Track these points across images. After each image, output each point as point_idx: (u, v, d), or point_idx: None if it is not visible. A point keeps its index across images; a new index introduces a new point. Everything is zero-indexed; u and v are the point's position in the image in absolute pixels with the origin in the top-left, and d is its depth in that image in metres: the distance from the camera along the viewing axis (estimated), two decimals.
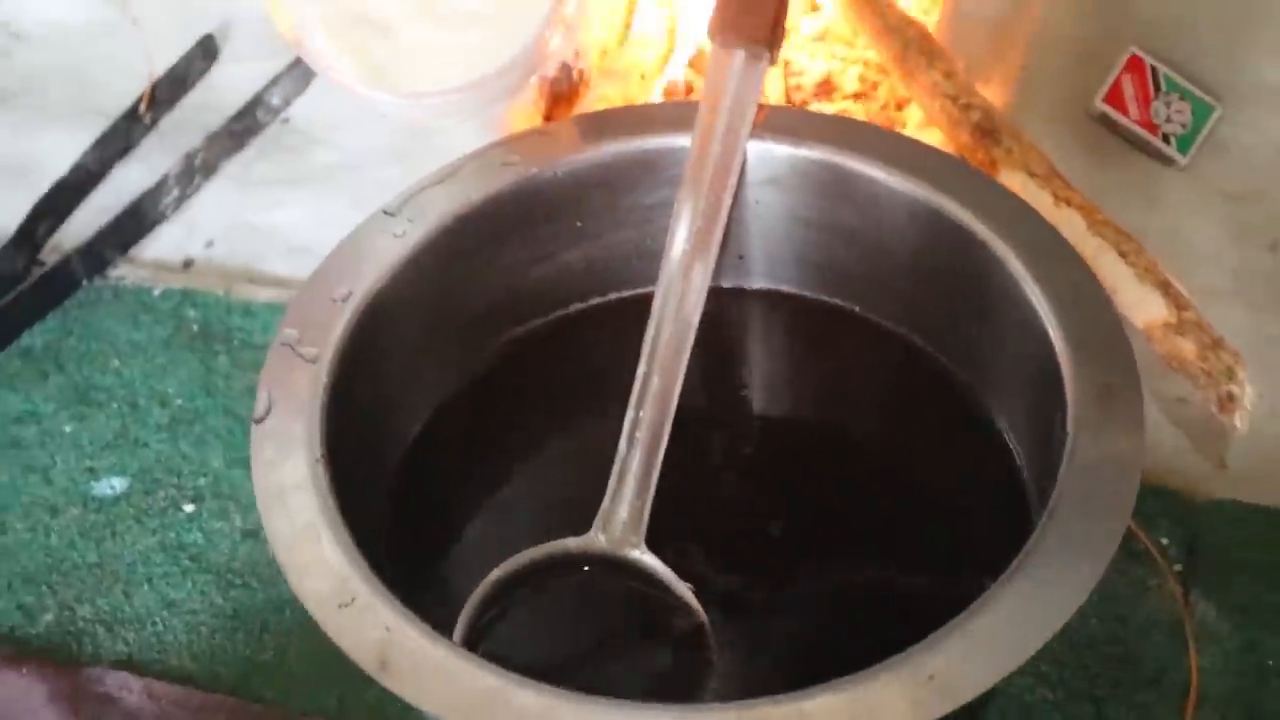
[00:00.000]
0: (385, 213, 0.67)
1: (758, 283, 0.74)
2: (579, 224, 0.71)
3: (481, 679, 0.52)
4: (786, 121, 0.70)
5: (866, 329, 0.72)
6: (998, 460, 0.65)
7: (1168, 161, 0.96)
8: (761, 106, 0.69)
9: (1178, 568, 0.74)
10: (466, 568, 0.62)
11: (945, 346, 0.70)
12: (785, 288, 0.74)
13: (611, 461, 0.63)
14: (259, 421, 0.60)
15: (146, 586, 0.78)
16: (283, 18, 0.63)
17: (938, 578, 0.61)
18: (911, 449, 0.69)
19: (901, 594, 0.62)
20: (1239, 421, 0.74)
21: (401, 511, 0.63)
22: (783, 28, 0.70)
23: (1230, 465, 0.80)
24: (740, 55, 0.68)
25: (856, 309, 0.73)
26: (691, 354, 0.66)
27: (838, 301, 0.73)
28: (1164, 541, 0.75)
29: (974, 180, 0.68)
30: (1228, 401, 0.74)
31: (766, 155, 0.70)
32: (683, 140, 0.69)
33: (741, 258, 0.74)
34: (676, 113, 0.72)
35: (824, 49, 1.12)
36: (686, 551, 0.64)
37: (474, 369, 0.69)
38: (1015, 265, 0.63)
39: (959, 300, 0.67)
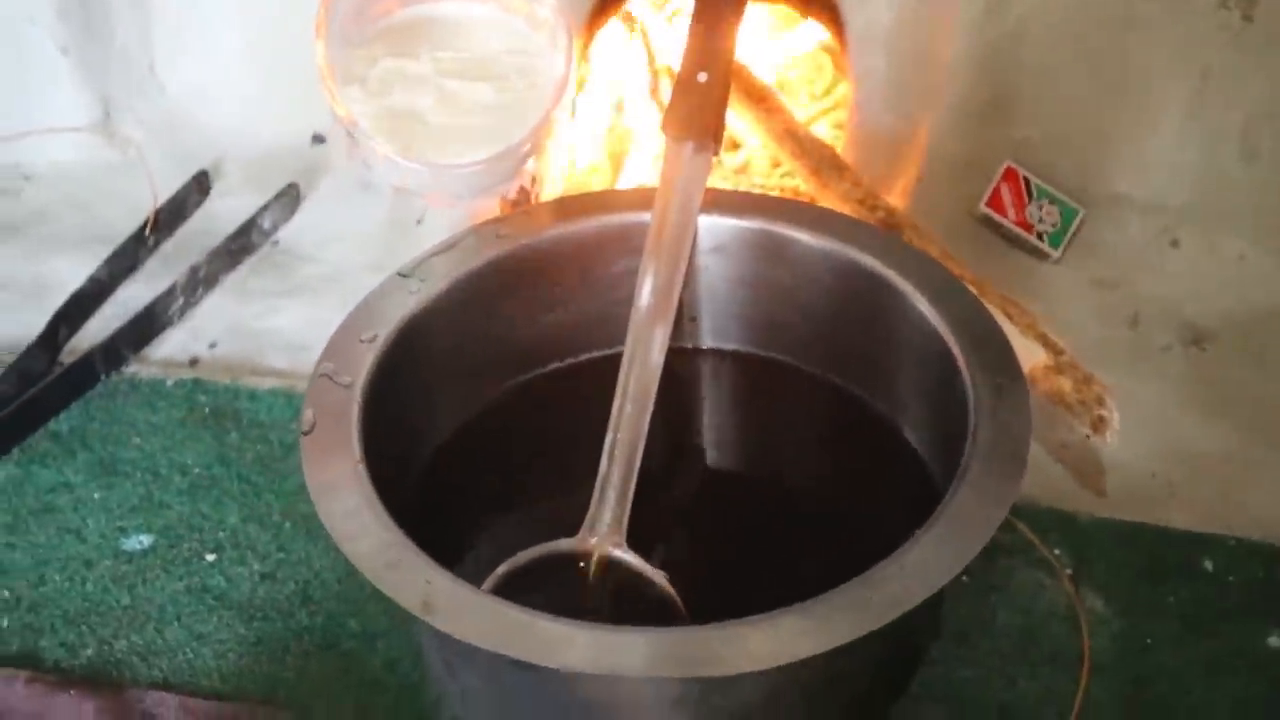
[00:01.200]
0: (400, 275, 0.81)
1: (707, 342, 0.88)
2: (558, 289, 0.85)
3: (511, 614, 0.64)
4: (729, 199, 0.86)
5: (797, 375, 0.87)
6: (909, 463, 0.79)
7: (1042, 256, 1.12)
8: (708, 189, 0.84)
9: (1069, 571, 0.88)
10: (479, 555, 0.74)
11: (863, 381, 0.84)
12: (730, 345, 0.88)
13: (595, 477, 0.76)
14: (306, 434, 0.72)
15: (176, 624, 0.88)
16: (341, 109, 0.77)
17: (868, 545, 0.74)
18: (839, 463, 0.83)
19: (839, 557, 0.74)
20: (1110, 438, 0.89)
21: (426, 508, 0.75)
22: (723, 126, 0.86)
23: (1107, 493, 0.94)
24: (690, 146, 0.83)
25: (789, 359, 0.87)
26: (657, 402, 0.79)
27: (773, 355, 0.88)
28: (1057, 552, 0.89)
29: (880, 236, 0.84)
30: (1100, 423, 0.89)
31: (713, 227, 0.84)
32: (644, 217, 0.83)
33: (694, 319, 0.88)
34: (638, 196, 0.87)
35: (745, 180, 1.28)
36: (660, 547, 0.76)
37: (484, 404, 0.82)
38: (919, 299, 0.78)
39: (874, 338, 0.82)
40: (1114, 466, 0.96)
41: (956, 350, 0.74)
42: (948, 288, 0.78)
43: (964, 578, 0.85)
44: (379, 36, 0.80)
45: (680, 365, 0.86)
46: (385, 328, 0.77)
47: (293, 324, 1.12)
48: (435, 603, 0.64)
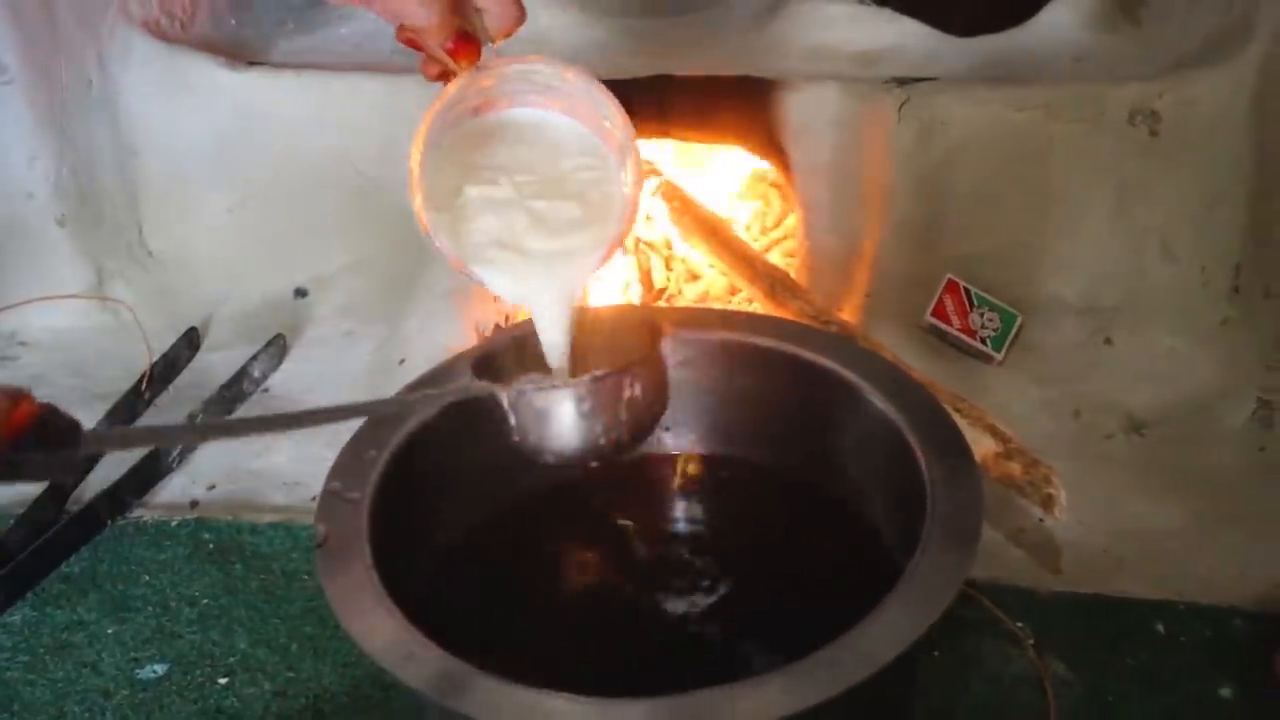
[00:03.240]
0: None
1: (681, 447, 0.95)
2: None
3: (521, 694, 0.69)
4: (694, 316, 0.93)
5: (765, 471, 0.93)
6: (873, 541, 0.85)
7: (987, 359, 1.21)
8: (675, 308, 0.91)
9: (1033, 641, 0.94)
10: (489, 641, 0.79)
11: (824, 471, 0.90)
12: (702, 449, 0.95)
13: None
14: (320, 546, 0.78)
15: None
16: (449, 249, 0.78)
17: (841, 616, 0.79)
18: (810, 546, 0.89)
19: (816, 628, 0.80)
20: (1059, 514, 0.96)
21: (435, 605, 0.80)
22: None
23: (1063, 570, 1.01)
24: None
25: (757, 457, 0.93)
26: (640, 505, 0.86)
27: (742, 454, 0.94)
28: (1020, 625, 0.95)
29: (835, 341, 0.91)
30: (1049, 501, 0.96)
31: (681, 343, 0.91)
32: None
33: (667, 429, 0.94)
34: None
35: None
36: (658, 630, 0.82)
37: (486, 512, 0.88)
38: (874, 394, 0.85)
39: (832, 432, 0.88)
40: (1068, 545, 1.03)
41: (911, 438, 0.81)
42: (899, 383, 0.85)
43: (935, 652, 0.92)
44: (454, 148, 0.80)
45: (657, 470, 0.93)
46: (386, 447, 0.84)
47: (287, 463, 1.18)
48: (449, 688, 0.69)
